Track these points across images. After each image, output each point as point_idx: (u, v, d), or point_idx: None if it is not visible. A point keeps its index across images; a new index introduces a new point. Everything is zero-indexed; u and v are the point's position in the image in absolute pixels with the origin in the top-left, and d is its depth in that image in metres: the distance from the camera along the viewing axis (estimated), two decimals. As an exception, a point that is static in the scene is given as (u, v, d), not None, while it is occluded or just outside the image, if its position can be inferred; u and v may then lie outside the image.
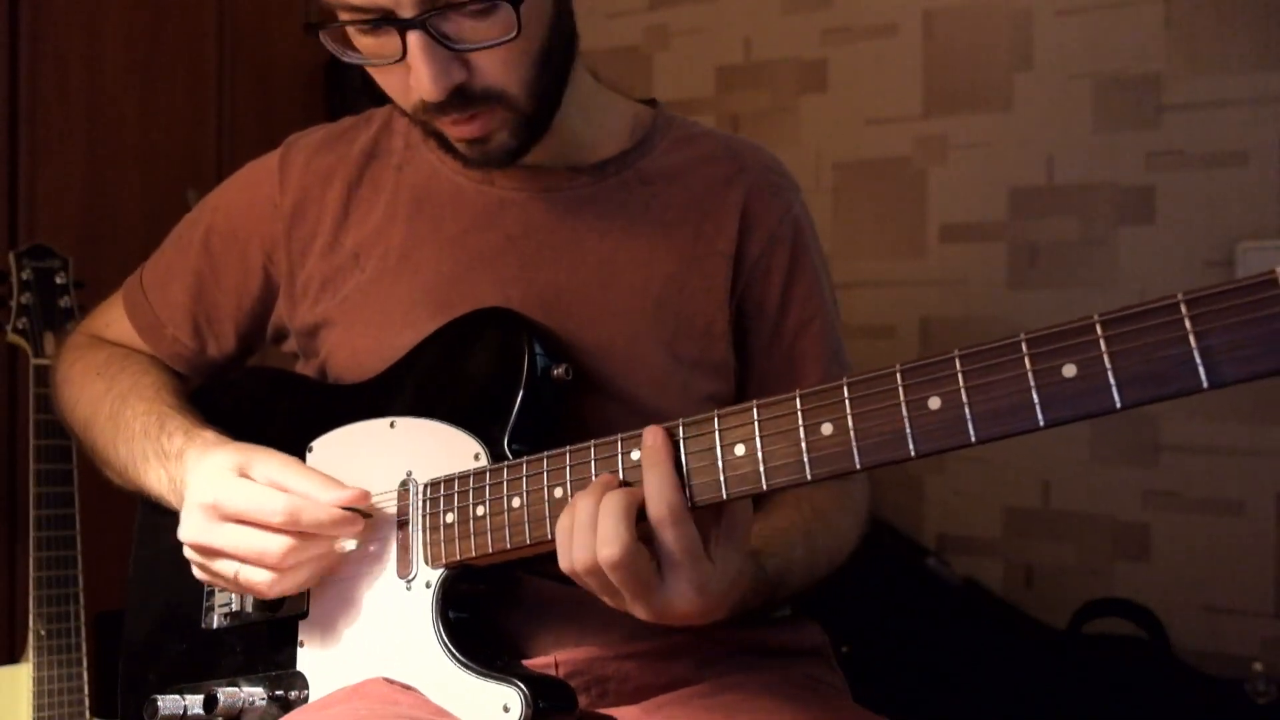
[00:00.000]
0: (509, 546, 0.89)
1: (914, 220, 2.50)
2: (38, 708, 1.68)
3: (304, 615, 1.02)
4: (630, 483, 0.83)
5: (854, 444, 0.74)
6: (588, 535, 0.81)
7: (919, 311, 2.49)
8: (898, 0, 2.50)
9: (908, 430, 0.72)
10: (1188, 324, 0.62)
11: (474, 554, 0.91)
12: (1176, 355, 0.63)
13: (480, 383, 0.98)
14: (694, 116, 1.24)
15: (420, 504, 0.96)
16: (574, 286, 1.06)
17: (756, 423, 0.78)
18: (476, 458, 0.94)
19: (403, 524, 0.97)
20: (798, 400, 0.77)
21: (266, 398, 1.16)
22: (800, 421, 0.76)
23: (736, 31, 2.68)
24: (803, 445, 0.76)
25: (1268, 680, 1.93)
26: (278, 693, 1.01)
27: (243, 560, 0.94)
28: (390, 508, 0.98)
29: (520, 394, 0.95)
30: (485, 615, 0.98)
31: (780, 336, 1.12)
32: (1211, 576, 2.21)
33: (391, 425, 1.01)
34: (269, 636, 1.04)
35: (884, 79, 2.52)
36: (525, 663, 0.98)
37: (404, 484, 0.98)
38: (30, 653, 1.69)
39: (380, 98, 1.24)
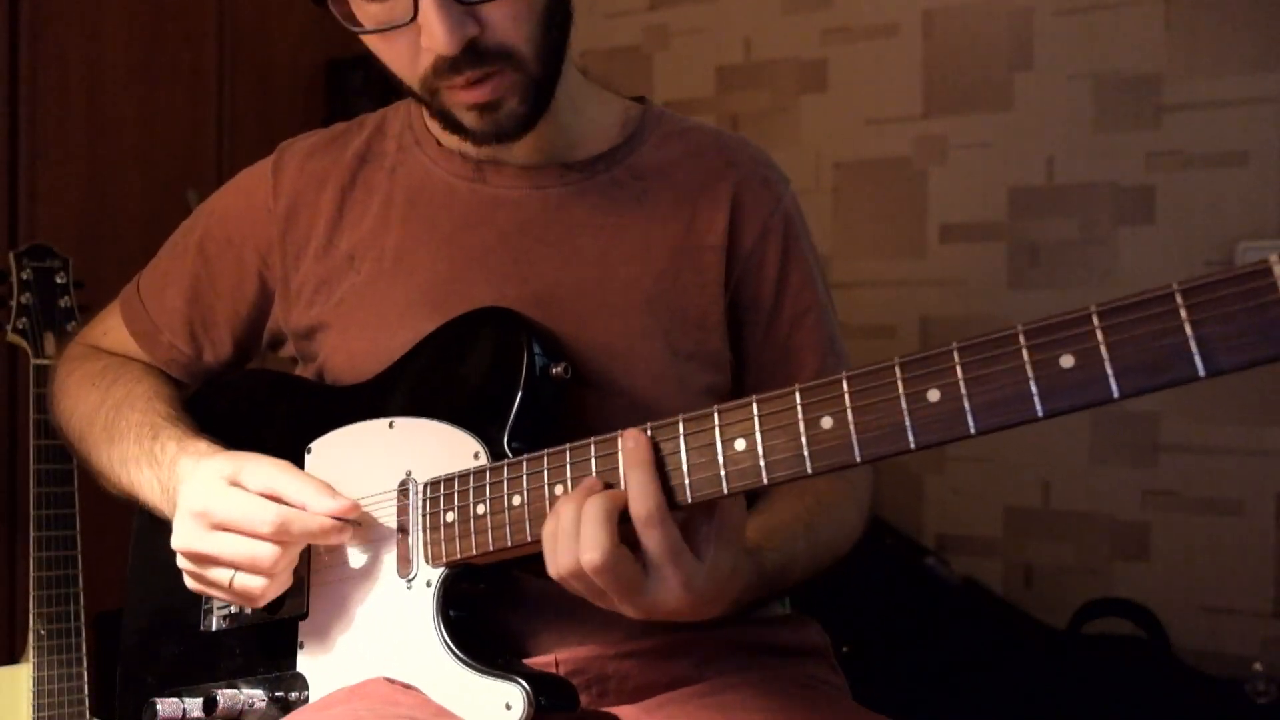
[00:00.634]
0: (509, 545, 0.89)
1: (914, 220, 2.50)
2: (38, 708, 1.68)
3: (304, 616, 1.02)
4: (612, 484, 0.83)
5: (854, 437, 0.74)
6: (570, 541, 0.81)
7: (919, 311, 2.49)
8: (898, 0, 2.50)
9: (907, 422, 0.72)
10: (1183, 313, 0.63)
11: (474, 552, 0.91)
12: (1173, 344, 0.63)
13: (479, 382, 0.98)
14: (694, 117, 1.25)
15: (420, 503, 0.96)
16: (569, 283, 1.06)
17: (756, 417, 0.78)
18: (476, 456, 0.94)
19: (403, 524, 0.97)
20: (797, 394, 0.77)
21: (265, 399, 1.16)
22: (800, 415, 0.76)
23: (736, 31, 2.68)
24: (803, 439, 0.76)
25: (1268, 680, 1.93)
26: (278, 694, 1.01)
27: (237, 567, 0.95)
28: (390, 507, 0.98)
29: (519, 393, 0.95)
30: (486, 614, 0.98)
31: (776, 328, 1.12)
32: (1211, 576, 2.21)
33: (390, 425, 1.01)
34: (269, 638, 1.04)
35: (884, 79, 2.53)
36: (526, 662, 0.98)
37: (403, 484, 0.98)
38: (30, 653, 1.69)
39: (380, 99, 1.24)
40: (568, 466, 0.86)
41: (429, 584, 0.94)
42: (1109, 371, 0.65)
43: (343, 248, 1.11)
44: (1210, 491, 2.21)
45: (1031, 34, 2.38)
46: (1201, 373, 0.63)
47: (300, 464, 1.03)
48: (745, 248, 1.10)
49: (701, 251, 1.09)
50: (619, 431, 0.84)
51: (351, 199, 1.13)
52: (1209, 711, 1.97)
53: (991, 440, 0.76)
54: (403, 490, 0.98)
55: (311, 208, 1.13)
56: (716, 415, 0.80)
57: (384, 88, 1.11)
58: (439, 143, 1.12)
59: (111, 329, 1.24)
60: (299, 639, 1.02)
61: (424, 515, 0.95)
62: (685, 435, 0.81)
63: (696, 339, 1.08)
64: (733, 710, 0.96)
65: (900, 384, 0.72)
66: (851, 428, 0.74)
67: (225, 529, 0.95)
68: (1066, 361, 0.67)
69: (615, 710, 1.00)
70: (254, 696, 1.00)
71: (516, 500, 0.89)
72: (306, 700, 1.00)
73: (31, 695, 1.68)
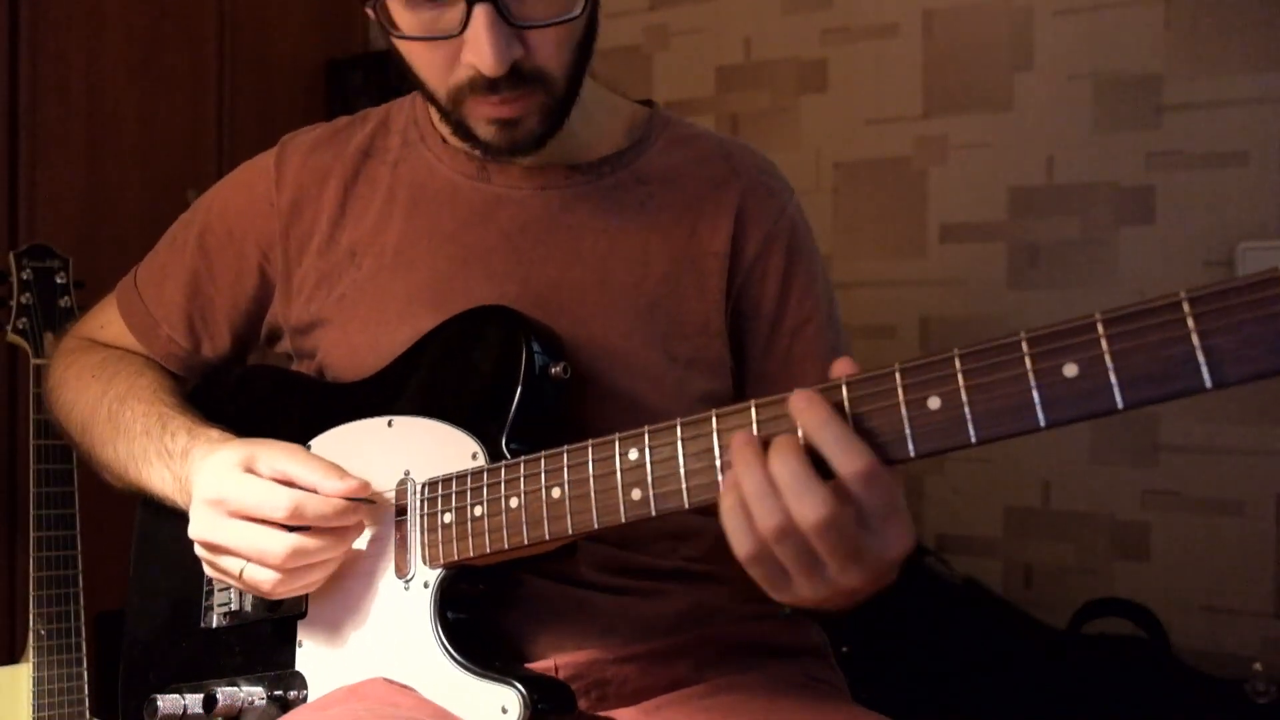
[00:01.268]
0: (507, 547, 0.89)
1: (914, 220, 2.50)
2: (38, 708, 1.68)
3: (302, 615, 1.02)
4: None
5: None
6: (771, 502, 0.72)
7: (919, 311, 2.49)
8: (898, 0, 2.50)
9: (907, 430, 0.71)
10: (1190, 323, 0.61)
11: (472, 554, 0.91)
12: (1179, 355, 0.62)
13: (478, 381, 0.98)
14: (694, 116, 1.25)
15: (418, 503, 0.96)
16: (569, 284, 1.06)
17: (755, 424, 0.77)
18: (474, 457, 0.94)
19: (401, 524, 0.97)
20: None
21: (264, 396, 1.16)
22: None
23: (736, 31, 2.68)
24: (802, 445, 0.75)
25: (1268, 680, 1.93)
26: (277, 692, 1.01)
27: (246, 559, 0.95)
28: (389, 507, 0.98)
29: (518, 392, 0.95)
30: (484, 616, 0.98)
31: (777, 338, 1.12)
32: (1211, 576, 2.21)
33: (389, 424, 1.01)
34: (268, 636, 1.04)
35: (884, 79, 2.52)
36: (525, 666, 0.98)
37: (402, 483, 0.98)
38: (30, 653, 1.69)
39: (379, 98, 1.24)
40: (565, 469, 0.86)
41: (426, 585, 0.94)
42: (1113, 381, 0.64)
43: (344, 243, 1.11)
44: (1210, 491, 2.21)
45: (1031, 34, 2.37)
46: (1209, 384, 0.61)
47: (300, 461, 1.03)
48: (748, 256, 1.10)
49: (704, 258, 1.09)
50: (616, 434, 0.83)
51: (354, 194, 1.12)
52: (1209, 711, 1.96)
53: (991, 441, 0.74)
54: (401, 490, 0.98)
55: (314, 202, 1.13)
56: (714, 419, 0.79)
57: (383, 87, 1.11)
58: (444, 140, 1.12)
59: (109, 322, 1.24)
60: (298, 637, 1.02)
61: (422, 515, 0.95)
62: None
63: (696, 345, 1.08)
64: (733, 711, 0.97)
65: (900, 390, 0.71)
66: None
67: (240, 516, 0.94)
68: (1070, 370, 0.65)
69: (615, 714, 1.00)
70: (253, 694, 1.01)
71: (514, 502, 0.89)
72: (305, 699, 1.00)
73: (31, 695, 1.68)
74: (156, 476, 1.06)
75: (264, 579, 0.94)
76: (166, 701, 0.99)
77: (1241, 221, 2.17)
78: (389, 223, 1.10)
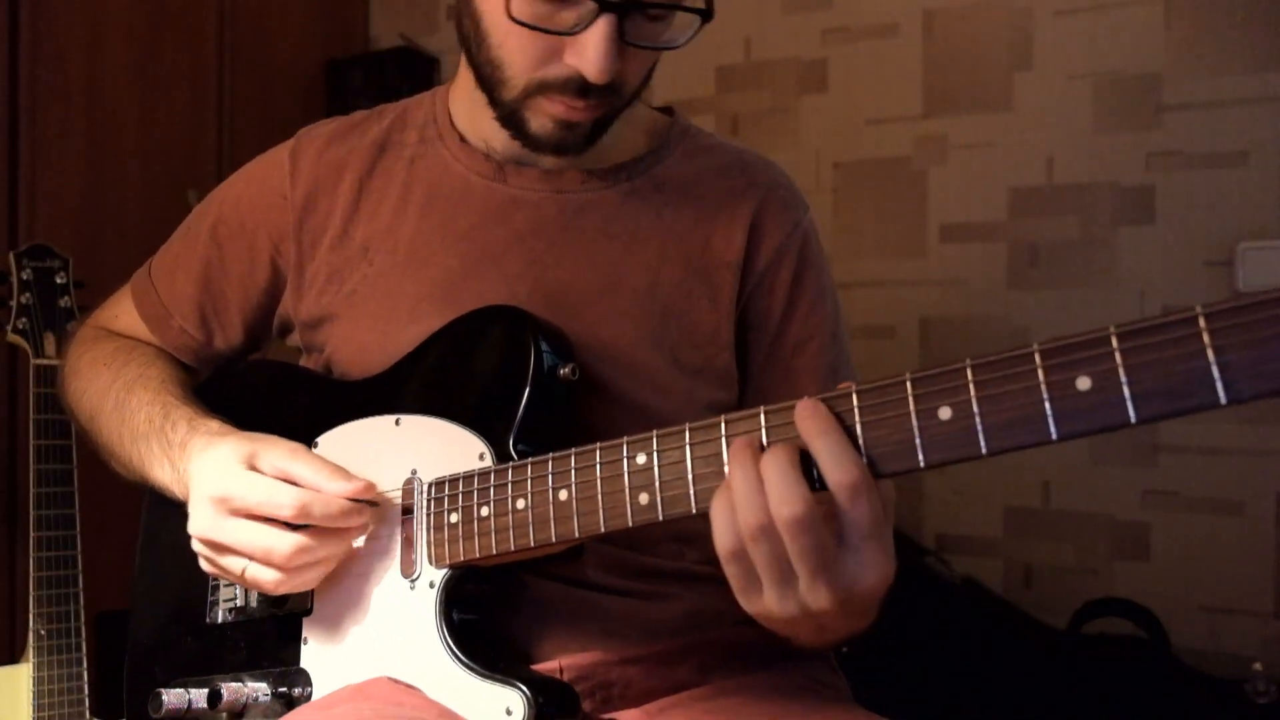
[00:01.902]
0: (513, 548, 0.89)
1: (914, 220, 2.50)
2: (38, 708, 1.68)
3: (308, 612, 1.02)
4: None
5: (862, 453, 0.72)
6: (753, 498, 0.72)
7: (919, 311, 2.49)
8: (898, 0, 2.50)
9: (917, 440, 0.70)
10: (1206, 338, 0.61)
11: (478, 555, 0.91)
12: (1194, 370, 0.61)
13: (486, 381, 0.98)
14: (694, 116, 1.25)
15: (425, 503, 0.96)
16: (580, 287, 1.06)
17: (764, 430, 0.77)
18: (481, 457, 0.94)
19: (407, 523, 0.97)
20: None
21: (271, 392, 1.16)
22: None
23: (736, 31, 2.68)
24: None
25: (1268, 680, 1.93)
26: (281, 689, 1.01)
27: (250, 558, 0.94)
28: (395, 506, 0.98)
29: (526, 392, 0.95)
30: (489, 617, 0.98)
31: (779, 351, 1.11)
32: (1211, 576, 2.21)
33: (397, 423, 1.01)
34: (273, 633, 1.04)
35: (884, 79, 2.52)
36: (530, 666, 0.98)
37: (408, 482, 0.98)
38: (30, 653, 1.69)
39: (379, 99, 1.24)
40: (572, 472, 0.86)
41: (432, 585, 0.94)
42: (1126, 395, 0.63)
43: (358, 238, 1.11)
44: (1210, 491, 2.21)
45: (1031, 34, 2.37)
46: (1223, 400, 0.61)
47: (306, 458, 1.03)
48: (759, 267, 1.10)
49: (718, 269, 1.09)
50: (624, 438, 0.83)
51: (369, 189, 1.12)
52: (1209, 711, 1.97)
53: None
54: (408, 489, 0.97)
55: (329, 196, 1.13)
56: (724, 425, 0.79)
57: (383, 87, 1.11)
58: (462, 139, 1.12)
59: (123, 312, 1.24)
60: (303, 635, 1.02)
61: (428, 515, 0.95)
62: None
63: (705, 355, 1.08)
64: (735, 714, 0.97)
65: (911, 400, 0.71)
66: (860, 443, 0.73)
67: (244, 514, 0.94)
68: (1083, 384, 0.65)
69: (619, 716, 1.00)
70: (258, 690, 1.01)
71: (520, 504, 0.89)
72: (310, 696, 1.00)
73: (31, 695, 1.68)
74: (158, 467, 1.06)
75: (268, 578, 0.94)
76: (171, 696, 0.99)
77: (1241, 221, 2.18)
78: (403, 220, 1.10)
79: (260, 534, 0.93)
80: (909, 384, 0.71)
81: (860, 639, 0.91)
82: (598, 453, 0.85)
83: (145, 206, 2.43)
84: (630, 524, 0.82)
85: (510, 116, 1.03)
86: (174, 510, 1.05)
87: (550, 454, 0.88)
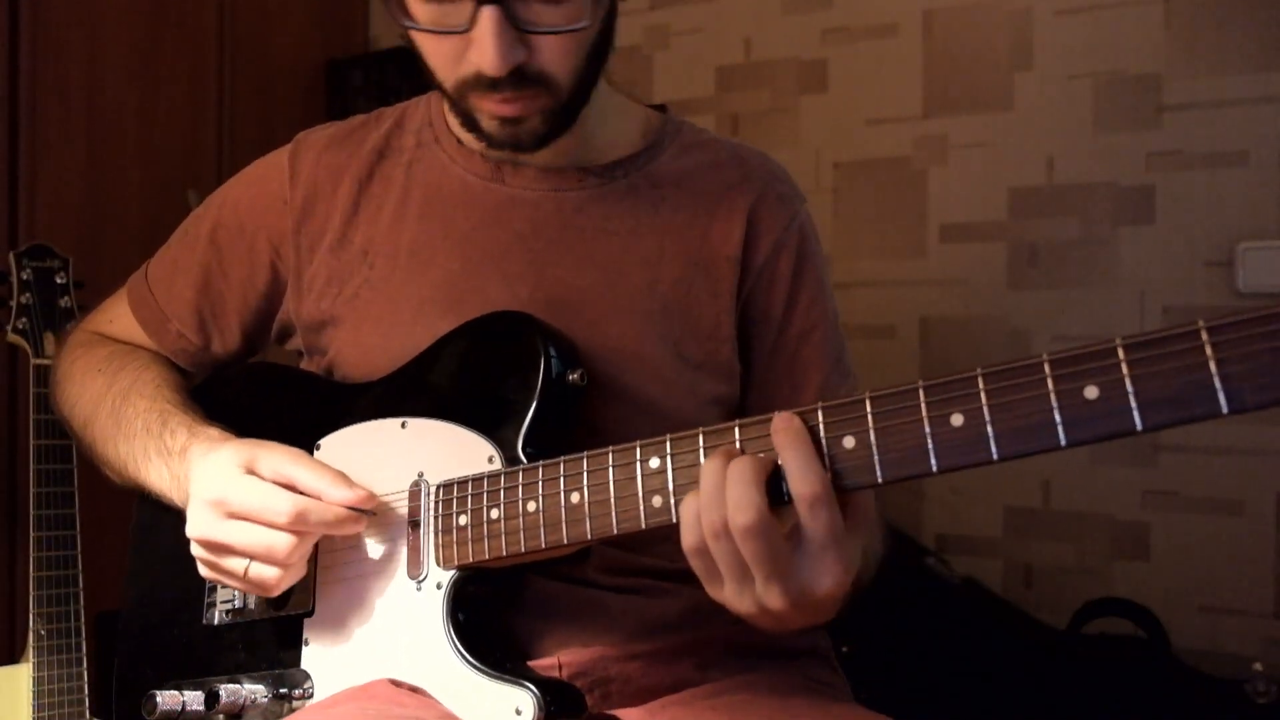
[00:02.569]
0: (524, 550, 0.89)
1: (914, 220, 2.50)
2: (38, 708, 1.68)
3: (310, 613, 1.01)
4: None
5: (875, 457, 0.75)
6: (715, 500, 0.77)
7: (919, 311, 2.49)
8: (898, 0, 2.50)
9: (930, 445, 0.73)
10: (1208, 350, 0.64)
11: (488, 556, 0.91)
12: (1197, 381, 0.65)
13: (495, 387, 0.98)
14: (694, 116, 1.25)
15: (432, 505, 0.96)
16: (581, 285, 1.06)
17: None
18: (490, 461, 0.94)
19: (414, 525, 0.97)
20: (820, 413, 0.78)
21: (272, 394, 1.15)
22: (822, 435, 0.77)
23: (736, 31, 2.68)
24: (825, 459, 0.77)
25: (1268, 680, 1.93)
26: (281, 690, 1.00)
27: (252, 556, 0.94)
28: (401, 508, 0.98)
29: (536, 400, 0.95)
30: (493, 617, 0.98)
31: (783, 344, 1.12)
32: (1211, 576, 2.21)
33: (403, 426, 1.01)
34: (273, 634, 1.04)
35: (884, 79, 2.52)
36: (529, 664, 0.98)
37: (415, 484, 0.98)
38: (30, 653, 1.69)
39: (379, 99, 1.23)
40: (584, 474, 0.86)
41: (439, 586, 0.94)
42: (1133, 404, 0.67)
43: (357, 242, 1.11)
44: (1210, 491, 2.21)
45: (1031, 34, 2.37)
46: (1225, 410, 0.64)
47: (308, 460, 1.02)
48: (758, 261, 1.11)
49: (717, 262, 1.09)
50: (637, 441, 0.84)
51: (368, 193, 1.12)
52: (1209, 711, 1.97)
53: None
54: (414, 491, 0.97)
55: (328, 200, 1.13)
56: (738, 430, 0.80)
57: (383, 87, 1.11)
58: (459, 141, 1.13)
59: (118, 316, 1.24)
60: (304, 636, 1.02)
61: (436, 517, 0.95)
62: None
63: (707, 349, 1.08)
64: (735, 711, 0.97)
65: (924, 407, 0.73)
66: (874, 448, 0.75)
67: (241, 517, 0.94)
68: (1091, 392, 0.68)
69: (618, 712, 1.00)
70: (256, 692, 1.00)
71: (532, 506, 0.89)
72: (310, 697, 1.00)
73: (31, 695, 1.68)
74: (155, 474, 1.06)
75: (271, 576, 0.94)
76: (166, 698, 0.99)
77: (1241, 221, 2.18)
78: (403, 223, 1.10)
79: (260, 533, 0.94)
80: (921, 391, 0.74)
81: (826, 627, 1.00)
82: (610, 455, 0.86)
83: (145, 206, 2.43)
84: (643, 526, 0.83)
85: (464, 120, 1.04)
86: (167, 512, 1.05)
87: (561, 457, 0.88)
